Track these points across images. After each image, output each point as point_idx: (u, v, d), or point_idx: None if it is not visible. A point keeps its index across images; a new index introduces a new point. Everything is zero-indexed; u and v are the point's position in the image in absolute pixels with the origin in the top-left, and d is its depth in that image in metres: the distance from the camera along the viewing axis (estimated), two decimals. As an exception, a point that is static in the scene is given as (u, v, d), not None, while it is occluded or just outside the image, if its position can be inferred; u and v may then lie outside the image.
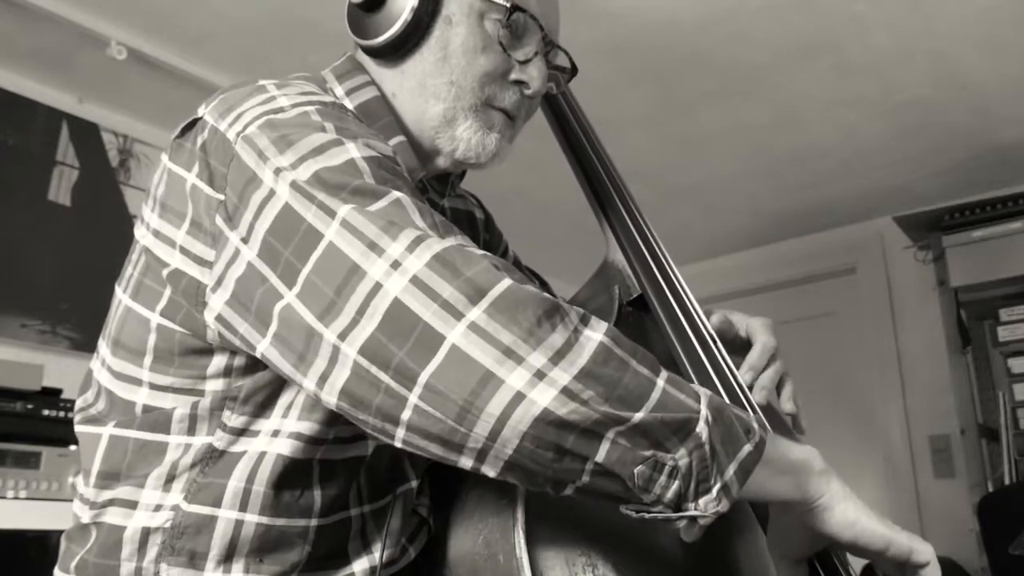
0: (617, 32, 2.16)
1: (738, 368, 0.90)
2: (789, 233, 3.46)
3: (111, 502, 0.73)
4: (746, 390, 0.88)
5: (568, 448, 0.57)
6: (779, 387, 0.92)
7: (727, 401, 0.64)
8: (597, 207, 1.00)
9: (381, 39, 0.82)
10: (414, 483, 0.79)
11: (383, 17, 0.82)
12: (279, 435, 0.72)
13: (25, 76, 2.38)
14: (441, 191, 0.94)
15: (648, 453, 0.58)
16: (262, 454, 0.71)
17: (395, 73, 0.84)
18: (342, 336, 0.59)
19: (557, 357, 0.57)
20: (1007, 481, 2.60)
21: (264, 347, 0.65)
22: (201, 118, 0.74)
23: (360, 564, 0.75)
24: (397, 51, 0.82)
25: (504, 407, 0.56)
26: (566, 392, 0.56)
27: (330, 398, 0.61)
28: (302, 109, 0.70)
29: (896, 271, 3.21)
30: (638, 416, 0.57)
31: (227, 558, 0.70)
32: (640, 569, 0.72)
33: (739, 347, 0.94)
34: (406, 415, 0.58)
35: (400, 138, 0.82)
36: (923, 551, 0.66)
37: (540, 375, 0.56)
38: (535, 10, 0.84)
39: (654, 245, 0.96)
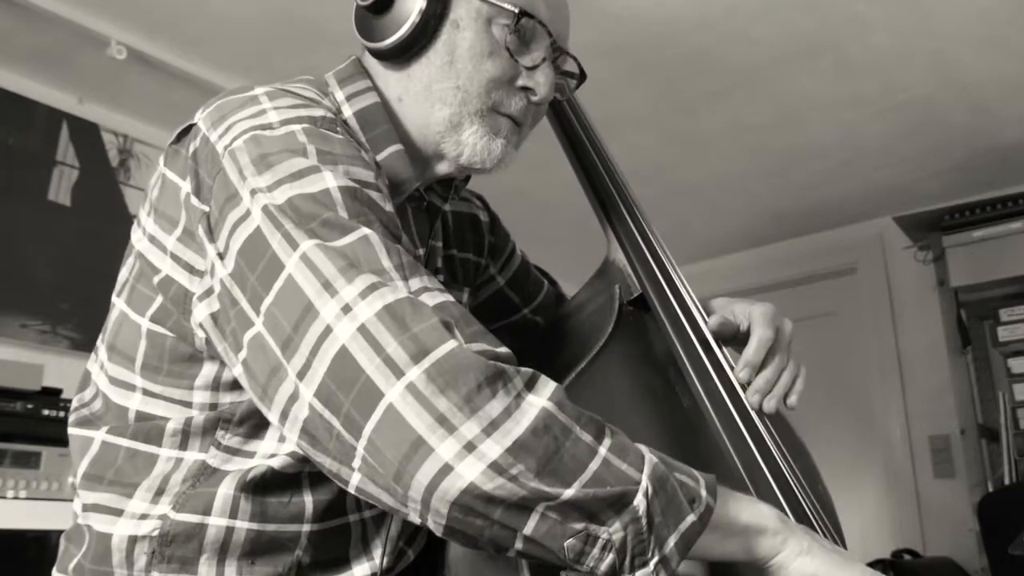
0: (617, 32, 2.16)
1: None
2: (789, 233, 3.46)
3: (95, 506, 0.73)
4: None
5: (496, 519, 0.57)
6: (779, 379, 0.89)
7: (675, 464, 0.63)
8: (598, 206, 1.00)
9: (388, 42, 0.81)
10: None
11: (390, 20, 0.81)
12: (275, 457, 0.72)
13: (25, 76, 2.38)
14: (444, 195, 0.93)
15: (579, 527, 0.57)
16: (253, 466, 0.72)
17: (401, 76, 0.84)
18: (300, 375, 0.60)
19: (491, 428, 0.56)
20: (1007, 481, 2.60)
21: (237, 371, 0.66)
22: (195, 124, 0.74)
23: (361, 569, 0.75)
24: (404, 54, 0.82)
25: (432, 477, 0.56)
26: (494, 467, 0.55)
27: (291, 435, 0.62)
28: (289, 128, 0.70)
29: (896, 271, 3.21)
30: (568, 493, 0.57)
31: (219, 563, 0.70)
32: None
33: (741, 341, 0.92)
34: (357, 463, 0.59)
35: (396, 147, 0.82)
36: None
37: (470, 447, 0.56)
38: (543, 16, 0.83)
39: (655, 245, 0.96)
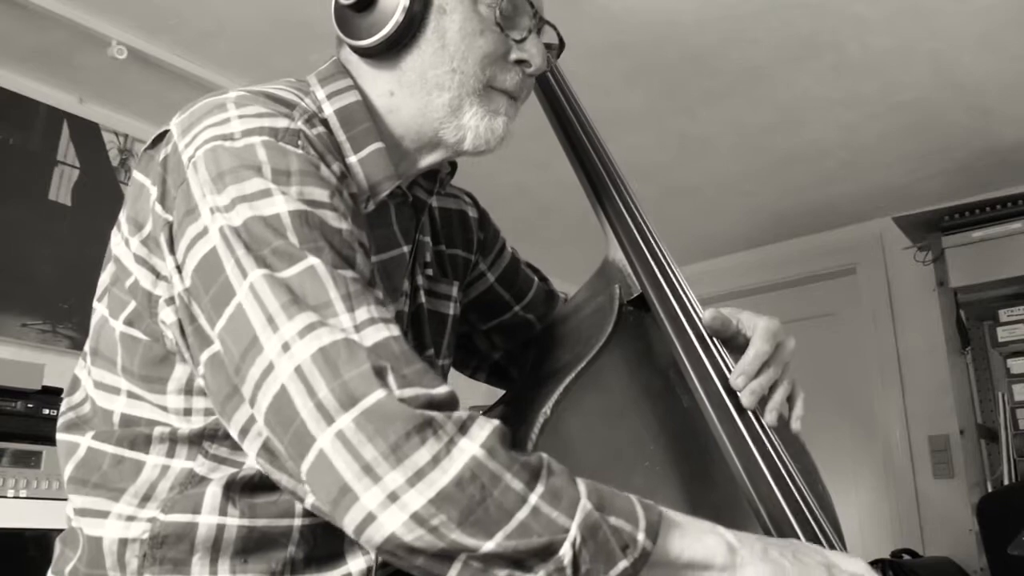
0: (617, 32, 2.16)
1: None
2: (789, 233, 3.46)
3: (84, 511, 0.73)
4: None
5: (420, 566, 0.58)
6: (772, 392, 0.89)
7: (615, 505, 0.62)
8: (598, 206, 1.00)
9: (375, 39, 0.81)
10: None
11: (375, 17, 0.81)
12: None
13: (26, 76, 2.38)
14: (429, 188, 0.93)
15: (503, 574, 0.58)
16: (241, 466, 0.72)
17: (392, 72, 0.83)
18: (251, 403, 0.63)
19: (416, 478, 0.57)
20: (1006, 481, 2.60)
21: (201, 383, 0.69)
22: (169, 130, 0.74)
23: (356, 564, 0.75)
24: (392, 49, 0.82)
25: (358, 523, 0.58)
26: (415, 518, 0.56)
27: (251, 452, 0.65)
28: (249, 141, 0.70)
29: (896, 271, 3.21)
30: (489, 545, 0.57)
31: (212, 561, 0.70)
32: None
33: (740, 349, 0.93)
34: (305, 489, 0.62)
35: (376, 145, 0.81)
36: None
37: (393, 497, 0.57)
38: None
39: (654, 244, 0.96)
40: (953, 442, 2.89)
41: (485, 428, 0.61)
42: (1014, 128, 2.64)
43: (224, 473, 0.72)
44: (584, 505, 0.60)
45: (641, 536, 0.62)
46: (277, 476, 0.64)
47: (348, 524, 0.58)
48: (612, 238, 0.97)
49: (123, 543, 0.70)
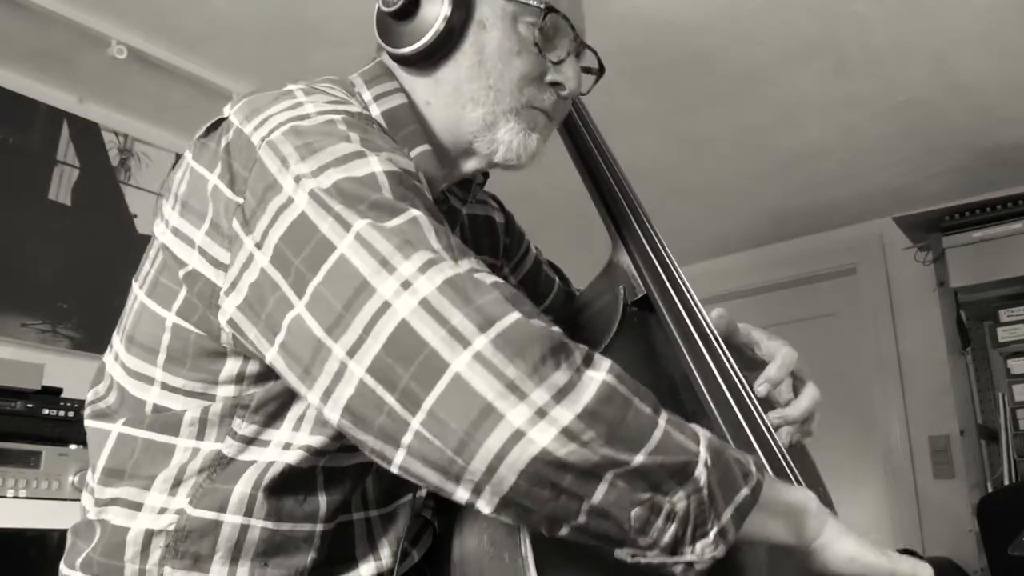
0: (619, 33, 2.16)
1: (750, 380, 0.90)
2: (789, 233, 3.46)
3: (114, 500, 0.73)
4: (750, 392, 0.88)
5: (565, 488, 0.56)
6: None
7: (727, 442, 0.64)
8: (603, 208, 1.00)
9: (414, 47, 0.81)
10: (424, 489, 0.79)
11: (415, 25, 0.81)
12: (290, 448, 0.72)
13: (26, 75, 2.38)
14: (463, 197, 0.93)
15: (646, 496, 0.57)
16: (270, 463, 0.71)
17: (429, 81, 0.83)
18: (350, 353, 0.59)
19: (560, 395, 0.56)
20: (1006, 482, 2.60)
21: (272, 356, 0.65)
22: (226, 119, 0.73)
23: (367, 568, 0.75)
24: (430, 59, 0.82)
25: (503, 444, 0.55)
26: (566, 432, 0.55)
27: (333, 414, 0.61)
28: (328, 117, 0.70)
29: (896, 272, 3.21)
30: (638, 459, 0.57)
31: (232, 561, 0.70)
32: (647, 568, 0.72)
33: (747, 361, 0.94)
34: (407, 439, 0.58)
35: (425, 147, 0.82)
36: None
37: (541, 413, 0.55)
38: (566, 10, 0.84)
39: (659, 246, 0.96)
40: (953, 442, 2.88)
41: (606, 361, 0.61)
42: (1014, 128, 2.64)
43: (253, 457, 0.71)
44: (704, 433, 0.62)
45: (753, 469, 0.63)
46: (362, 437, 0.60)
47: (489, 447, 0.55)
48: (617, 239, 0.97)
49: (149, 534, 0.70)
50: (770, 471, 0.80)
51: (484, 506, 0.58)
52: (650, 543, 0.58)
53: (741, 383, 0.87)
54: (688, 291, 0.93)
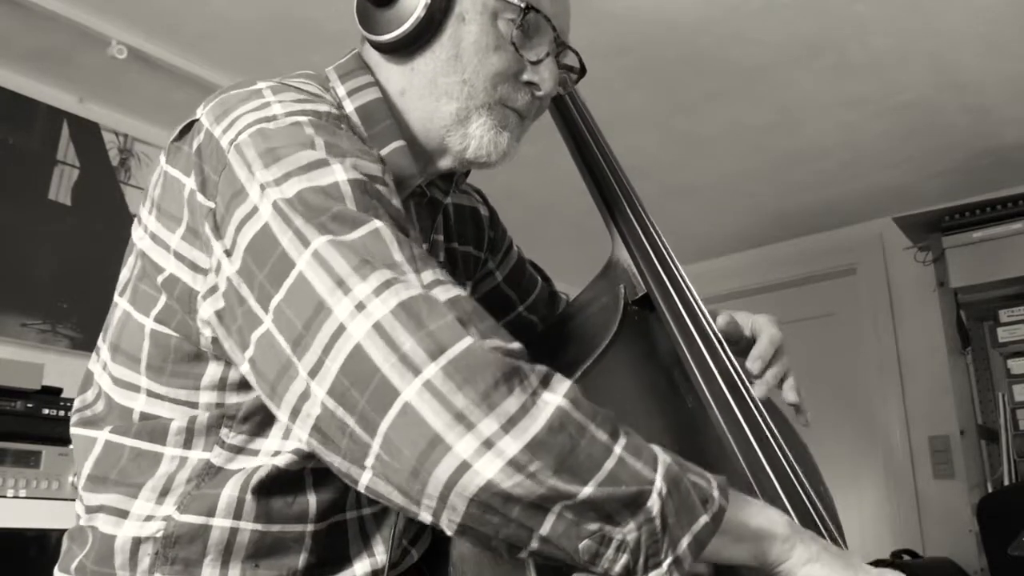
0: (618, 32, 2.16)
1: (743, 366, 0.90)
2: (789, 233, 3.46)
3: (101, 508, 0.73)
4: (750, 388, 0.88)
5: (513, 518, 0.56)
6: (782, 381, 0.94)
7: (688, 465, 0.63)
8: (603, 206, 1.00)
9: (392, 35, 0.80)
10: None
11: (395, 13, 0.80)
12: (279, 455, 0.71)
13: (26, 75, 2.38)
14: (445, 188, 0.93)
15: (595, 527, 0.57)
16: (258, 467, 0.71)
17: (405, 70, 0.83)
18: (311, 374, 0.59)
19: (509, 424, 0.55)
20: (1006, 482, 2.60)
21: (244, 369, 0.65)
22: (198, 120, 0.73)
23: (362, 567, 0.74)
24: (408, 47, 0.81)
25: (450, 474, 0.55)
26: (513, 464, 0.55)
27: (302, 433, 0.61)
28: (294, 119, 0.69)
29: (896, 272, 3.21)
30: (586, 491, 0.56)
31: (223, 564, 0.70)
32: None
33: (745, 348, 0.94)
34: (370, 461, 0.58)
35: (399, 143, 0.81)
36: None
37: (488, 444, 0.55)
38: (548, 11, 0.83)
39: (660, 244, 0.96)
40: (953, 442, 2.89)
41: (565, 382, 0.60)
42: (1014, 128, 2.64)
43: (241, 465, 0.71)
44: (664, 459, 0.61)
45: (716, 493, 0.62)
46: (330, 458, 0.61)
47: (438, 476, 0.55)
48: (617, 238, 0.97)
49: (137, 541, 0.70)
50: (771, 473, 0.81)
51: (445, 529, 0.59)
52: (602, 572, 0.58)
53: (742, 382, 0.87)
54: (689, 290, 0.93)
